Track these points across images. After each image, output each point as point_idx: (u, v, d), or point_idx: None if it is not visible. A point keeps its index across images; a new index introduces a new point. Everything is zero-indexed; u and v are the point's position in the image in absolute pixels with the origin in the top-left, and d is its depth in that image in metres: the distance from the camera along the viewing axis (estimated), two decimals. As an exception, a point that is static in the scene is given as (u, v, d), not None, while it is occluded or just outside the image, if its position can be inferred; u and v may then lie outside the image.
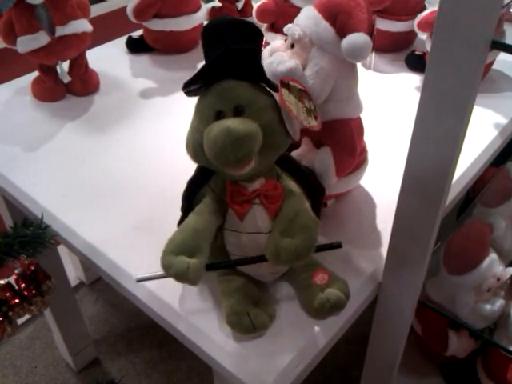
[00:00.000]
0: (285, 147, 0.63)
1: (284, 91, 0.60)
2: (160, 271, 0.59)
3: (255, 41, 0.61)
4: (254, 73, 0.60)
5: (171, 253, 0.57)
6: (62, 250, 1.28)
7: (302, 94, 0.63)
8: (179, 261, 0.56)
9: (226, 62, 0.57)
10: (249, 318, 0.61)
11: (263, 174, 0.62)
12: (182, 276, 0.56)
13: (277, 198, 0.62)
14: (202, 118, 0.59)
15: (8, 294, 0.77)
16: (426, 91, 0.53)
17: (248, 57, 0.58)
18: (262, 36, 0.62)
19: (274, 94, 0.62)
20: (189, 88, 0.59)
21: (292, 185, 0.64)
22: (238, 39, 0.57)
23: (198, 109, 0.60)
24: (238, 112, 0.57)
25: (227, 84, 0.58)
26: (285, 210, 0.61)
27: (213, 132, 0.55)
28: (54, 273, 0.80)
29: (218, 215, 0.62)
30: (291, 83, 0.62)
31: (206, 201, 0.62)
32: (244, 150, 0.55)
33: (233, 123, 0.55)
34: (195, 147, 0.60)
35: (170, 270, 0.57)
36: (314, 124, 0.63)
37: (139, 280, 0.63)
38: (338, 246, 0.65)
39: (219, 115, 0.58)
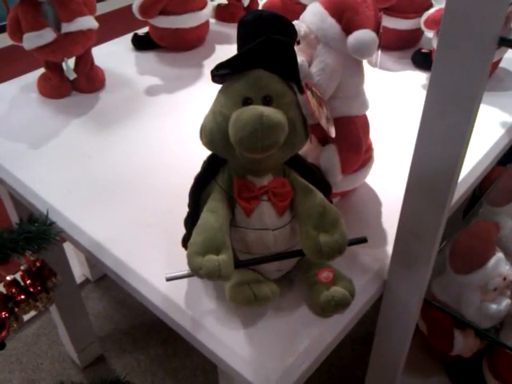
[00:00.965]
0: (301, 147, 0.63)
1: (309, 93, 0.60)
2: (186, 269, 0.59)
3: (291, 37, 0.61)
4: (287, 68, 0.59)
5: (197, 254, 0.57)
6: (67, 246, 1.28)
7: (321, 101, 0.64)
8: (208, 260, 0.56)
9: (263, 51, 0.57)
10: (250, 288, 0.61)
11: (272, 170, 0.62)
12: (214, 274, 0.56)
13: (285, 195, 0.62)
14: (227, 103, 0.58)
15: (14, 290, 0.77)
16: (432, 89, 0.52)
17: (285, 50, 0.58)
18: (296, 33, 0.62)
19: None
20: (218, 72, 0.59)
21: (304, 181, 0.64)
22: (274, 34, 0.57)
23: (224, 94, 0.59)
24: (266, 102, 0.57)
25: (259, 73, 0.58)
26: (311, 205, 0.61)
27: (245, 115, 0.55)
28: (60, 269, 0.80)
29: (229, 210, 0.62)
30: (313, 89, 0.63)
31: (216, 197, 0.62)
32: (273, 138, 0.54)
33: (266, 110, 0.54)
34: (213, 132, 0.60)
35: (201, 271, 0.56)
36: (332, 131, 0.64)
37: (169, 279, 0.62)
38: (364, 240, 0.65)
39: (247, 102, 0.57)
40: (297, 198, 0.63)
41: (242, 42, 0.60)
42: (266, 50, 0.57)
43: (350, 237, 0.62)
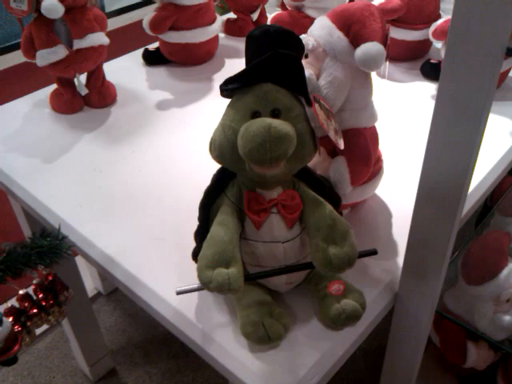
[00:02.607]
0: (310, 159, 0.63)
1: (317, 106, 0.61)
2: (196, 282, 0.60)
3: (299, 51, 0.62)
4: (295, 81, 0.60)
5: (207, 267, 0.57)
6: (79, 260, 1.29)
7: (329, 114, 0.64)
8: (218, 274, 0.56)
9: (272, 65, 0.58)
10: (264, 329, 0.61)
11: (281, 183, 0.62)
12: (224, 288, 0.56)
13: (295, 207, 0.62)
14: (236, 117, 0.59)
15: (26, 304, 0.78)
16: (440, 99, 0.52)
17: (293, 64, 0.59)
18: (303, 48, 0.63)
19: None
20: (227, 86, 0.60)
21: (313, 193, 0.64)
22: (282, 48, 0.57)
23: (234, 107, 0.60)
24: (274, 115, 0.58)
25: (267, 87, 0.58)
26: (321, 218, 0.61)
27: (253, 127, 0.55)
28: (72, 283, 0.81)
29: (239, 223, 0.62)
30: (321, 102, 0.63)
31: (226, 210, 0.62)
32: (281, 150, 0.55)
33: (274, 122, 0.55)
34: (222, 146, 0.60)
35: (211, 285, 0.56)
36: (341, 143, 0.64)
37: (179, 292, 0.63)
38: (374, 252, 0.65)
39: (255, 115, 0.58)
40: (306, 210, 0.63)
41: (250, 56, 0.60)
42: (274, 64, 0.58)
43: (360, 249, 0.62)
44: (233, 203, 0.63)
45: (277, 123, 0.55)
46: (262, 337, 0.61)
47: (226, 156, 0.60)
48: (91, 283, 1.70)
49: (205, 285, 0.57)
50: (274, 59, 0.57)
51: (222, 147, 0.60)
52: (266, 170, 0.57)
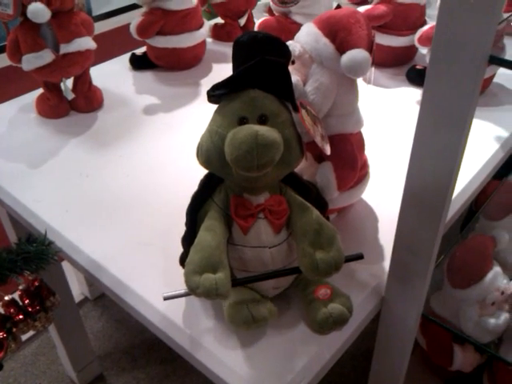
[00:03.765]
0: (296, 165, 0.63)
1: (303, 112, 0.61)
2: (184, 288, 0.60)
3: (286, 57, 0.62)
4: (282, 88, 0.60)
5: (195, 273, 0.57)
6: (66, 265, 1.28)
7: (316, 119, 0.65)
8: (205, 279, 0.56)
9: (259, 71, 0.58)
10: (248, 310, 0.61)
11: (268, 188, 0.63)
12: (211, 293, 0.56)
13: (281, 213, 0.62)
14: (223, 123, 0.59)
15: (12, 310, 0.77)
16: (425, 105, 0.53)
17: (280, 70, 0.59)
18: (290, 54, 0.63)
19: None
20: (214, 92, 0.60)
21: (300, 198, 0.64)
22: (269, 55, 0.58)
23: (221, 113, 0.60)
24: (261, 121, 0.58)
25: (254, 93, 0.59)
26: (307, 223, 0.61)
27: (240, 134, 0.55)
28: (58, 288, 0.80)
29: (226, 228, 0.62)
30: (308, 107, 0.64)
31: (213, 215, 0.62)
32: (268, 157, 0.55)
33: (261, 129, 0.55)
34: (209, 151, 0.60)
35: (199, 290, 0.56)
36: (327, 149, 0.65)
37: (166, 298, 0.62)
38: (361, 257, 0.66)
39: (242, 121, 0.58)
40: (293, 215, 0.63)
41: (237, 62, 0.61)
42: (261, 70, 0.58)
43: (346, 253, 0.62)
44: (220, 208, 0.63)
45: (264, 130, 0.55)
46: (246, 318, 0.61)
47: (213, 162, 0.60)
48: (78, 288, 1.69)
49: (192, 290, 0.57)
50: (261, 65, 0.58)
51: (209, 153, 0.60)
52: (253, 174, 0.58)
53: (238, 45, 0.60)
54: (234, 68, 0.61)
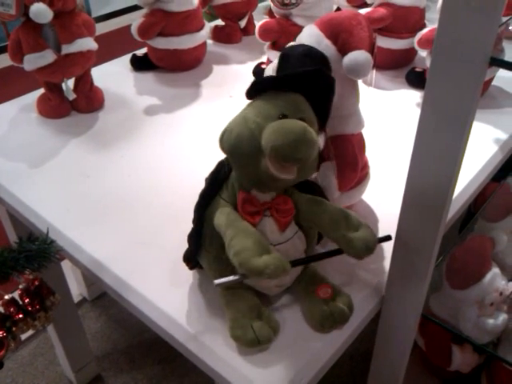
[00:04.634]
0: (312, 173, 0.65)
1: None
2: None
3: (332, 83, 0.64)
4: (323, 104, 0.63)
5: (255, 256, 0.57)
6: (64, 265, 1.28)
7: None
8: (269, 259, 0.57)
9: (311, 80, 0.60)
10: (253, 332, 0.62)
11: (277, 190, 0.64)
12: (280, 271, 0.57)
13: (288, 212, 0.63)
14: (262, 114, 0.59)
15: (12, 309, 0.77)
16: (426, 107, 0.54)
17: (328, 87, 0.62)
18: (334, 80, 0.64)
19: None
20: (260, 86, 0.61)
21: (308, 195, 0.66)
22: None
23: (261, 105, 0.60)
24: None
25: (297, 97, 0.60)
26: (331, 213, 0.64)
27: (289, 124, 0.56)
28: (58, 288, 0.80)
29: None
30: None
31: (226, 211, 0.62)
32: (308, 152, 0.57)
33: (308, 127, 0.57)
34: (242, 136, 0.59)
35: (267, 270, 0.56)
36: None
37: (218, 284, 0.62)
38: (389, 238, 0.69)
39: (283, 118, 0.59)
40: (310, 210, 0.64)
41: (285, 68, 0.62)
42: (310, 79, 0.60)
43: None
44: (229, 204, 0.63)
45: (310, 128, 0.57)
46: (252, 340, 0.62)
47: (243, 147, 0.59)
48: (76, 289, 1.69)
49: (260, 273, 0.57)
50: (316, 75, 0.60)
51: (241, 138, 0.59)
52: (283, 172, 0.58)
53: (285, 56, 0.62)
54: (281, 71, 0.63)
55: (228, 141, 0.61)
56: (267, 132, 0.57)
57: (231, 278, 0.62)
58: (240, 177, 0.63)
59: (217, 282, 0.62)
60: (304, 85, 0.60)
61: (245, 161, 0.60)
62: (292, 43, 0.67)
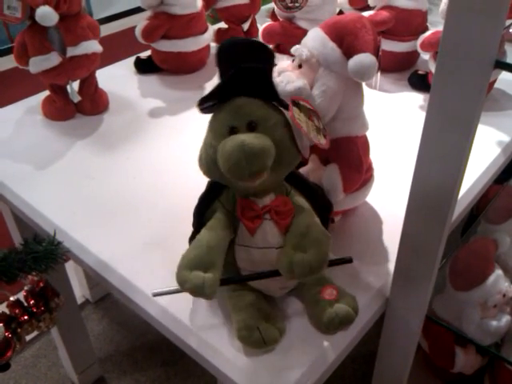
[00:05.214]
0: (295, 164, 0.64)
1: (295, 110, 0.62)
2: (175, 285, 0.60)
3: (267, 60, 0.63)
4: (266, 91, 0.61)
5: (186, 268, 0.59)
6: (68, 267, 1.29)
7: (311, 113, 0.65)
8: (194, 276, 0.58)
9: (239, 80, 0.59)
10: (259, 333, 0.62)
11: (273, 189, 0.64)
12: (197, 291, 0.57)
13: (287, 213, 0.63)
14: (216, 134, 0.60)
15: (17, 310, 0.77)
16: (431, 110, 0.54)
17: (260, 75, 0.60)
18: (273, 55, 0.63)
19: (285, 112, 0.64)
20: (203, 105, 0.61)
21: (301, 201, 0.65)
22: (251, 59, 0.59)
23: (212, 125, 0.62)
24: (251, 128, 0.59)
25: (240, 101, 0.60)
26: (296, 225, 0.63)
27: (227, 146, 0.57)
28: (61, 290, 0.80)
29: (229, 230, 0.63)
30: (301, 103, 0.64)
31: (218, 216, 0.63)
32: (258, 164, 0.56)
33: (247, 138, 0.56)
34: (208, 163, 0.62)
35: (186, 285, 0.58)
36: (322, 142, 0.65)
37: (155, 294, 0.64)
38: (349, 261, 0.66)
39: (233, 131, 0.59)
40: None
41: (220, 70, 0.62)
42: (241, 78, 0.59)
43: (353, 255, 0.63)
44: (227, 210, 0.64)
45: (251, 138, 0.56)
46: (258, 341, 0.62)
47: (213, 172, 0.62)
48: (79, 291, 1.69)
49: (180, 284, 0.59)
50: (239, 75, 0.58)
51: (208, 164, 0.62)
52: (250, 183, 0.59)
53: (218, 55, 0.62)
54: (220, 75, 0.62)
55: (202, 168, 0.64)
56: (218, 157, 0.58)
57: (170, 288, 0.63)
58: (232, 188, 0.64)
59: (154, 291, 0.64)
60: (237, 86, 0.59)
61: (223, 181, 0.63)
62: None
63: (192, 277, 0.58)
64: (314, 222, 0.63)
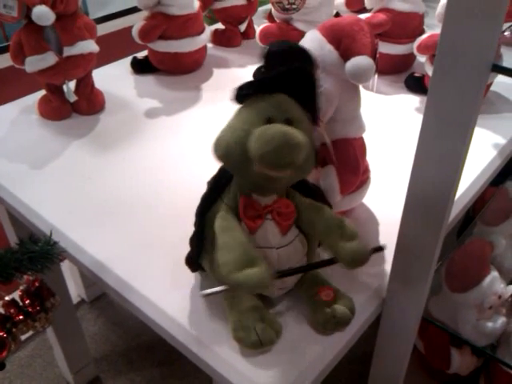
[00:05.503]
0: (309, 172, 0.64)
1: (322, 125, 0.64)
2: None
3: (313, 67, 0.63)
4: (308, 98, 0.62)
5: (235, 271, 0.57)
6: (63, 267, 1.28)
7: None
8: (247, 275, 0.56)
9: (286, 78, 0.59)
10: (256, 334, 0.62)
11: (278, 191, 0.64)
12: (258, 286, 0.57)
13: (289, 215, 0.63)
14: (250, 119, 0.59)
15: (12, 310, 0.77)
16: (428, 113, 0.54)
17: (309, 81, 0.61)
18: (317, 68, 0.64)
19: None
20: (242, 91, 0.61)
21: (309, 199, 0.66)
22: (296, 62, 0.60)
23: (246, 111, 0.61)
24: (287, 124, 0.59)
25: (281, 97, 0.60)
26: (326, 220, 0.64)
27: (271, 131, 0.56)
28: (57, 290, 0.80)
29: (240, 225, 0.63)
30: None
31: (225, 216, 0.63)
32: (294, 156, 0.56)
33: (291, 130, 0.57)
34: (230, 145, 0.60)
35: (244, 285, 0.56)
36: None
37: (205, 295, 0.62)
38: (382, 248, 0.68)
39: (269, 121, 0.59)
40: (309, 216, 0.65)
41: (267, 67, 0.62)
42: (293, 77, 0.59)
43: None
44: (231, 208, 0.64)
45: (293, 131, 0.57)
46: (254, 342, 0.62)
47: (233, 156, 0.60)
48: (74, 290, 1.69)
49: (238, 286, 0.57)
50: (294, 72, 0.59)
51: (230, 147, 0.60)
52: (276, 173, 0.58)
53: (270, 53, 0.61)
54: (264, 73, 0.62)
55: (219, 151, 0.62)
56: (252, 140, 0.57)
57: (219, 288, 0.62)
58: (238, 181, 0.64)
59: (203, 292, 0.62)
60: (286, 83, 0.60)
61: (238, 167, 0.62)
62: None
63: (246, 276, 0.56)
64: (336, 215, 0.65)
